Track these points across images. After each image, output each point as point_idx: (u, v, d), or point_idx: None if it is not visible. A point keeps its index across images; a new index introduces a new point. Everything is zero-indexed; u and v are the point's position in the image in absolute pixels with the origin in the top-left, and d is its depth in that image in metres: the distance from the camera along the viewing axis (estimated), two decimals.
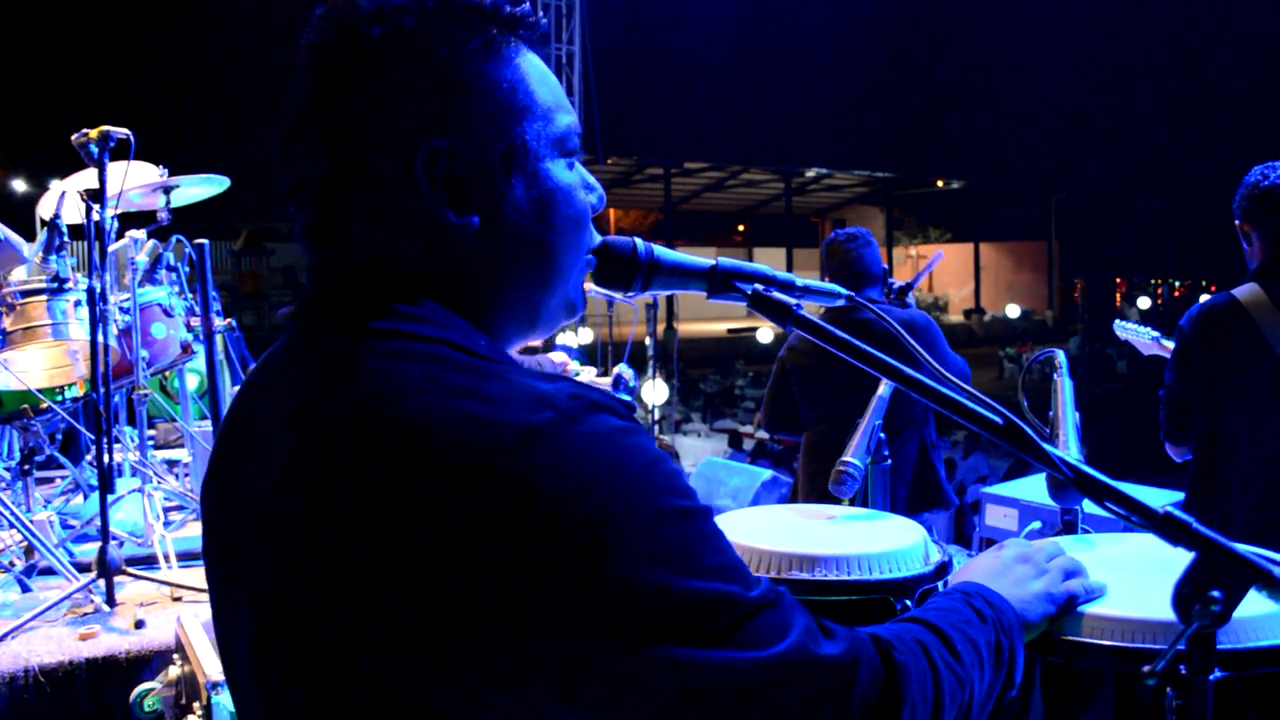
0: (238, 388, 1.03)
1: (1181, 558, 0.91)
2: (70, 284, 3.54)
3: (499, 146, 0.89)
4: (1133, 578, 1.22)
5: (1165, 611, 0.91)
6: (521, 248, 0.91)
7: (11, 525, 3.24)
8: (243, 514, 0.87)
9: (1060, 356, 1.61)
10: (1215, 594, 0.88)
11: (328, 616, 0.76)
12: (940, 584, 1.35)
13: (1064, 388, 1.50)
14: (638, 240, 1.06)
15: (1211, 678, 0.93)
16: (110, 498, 3.11)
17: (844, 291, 1.16)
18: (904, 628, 0.94)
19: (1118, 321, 3.87)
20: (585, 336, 13.41)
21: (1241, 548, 0.90)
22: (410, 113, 0.87)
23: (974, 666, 0.93)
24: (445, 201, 0.87)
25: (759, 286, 1.09)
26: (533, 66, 0.93)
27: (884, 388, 1.71)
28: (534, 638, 0.72)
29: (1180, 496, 3.18)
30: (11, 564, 3.24)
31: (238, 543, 0.88)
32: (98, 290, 3.14)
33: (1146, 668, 0.91)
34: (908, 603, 1.32)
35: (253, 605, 0.85)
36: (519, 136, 0.90)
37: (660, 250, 1.07)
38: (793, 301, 1.09)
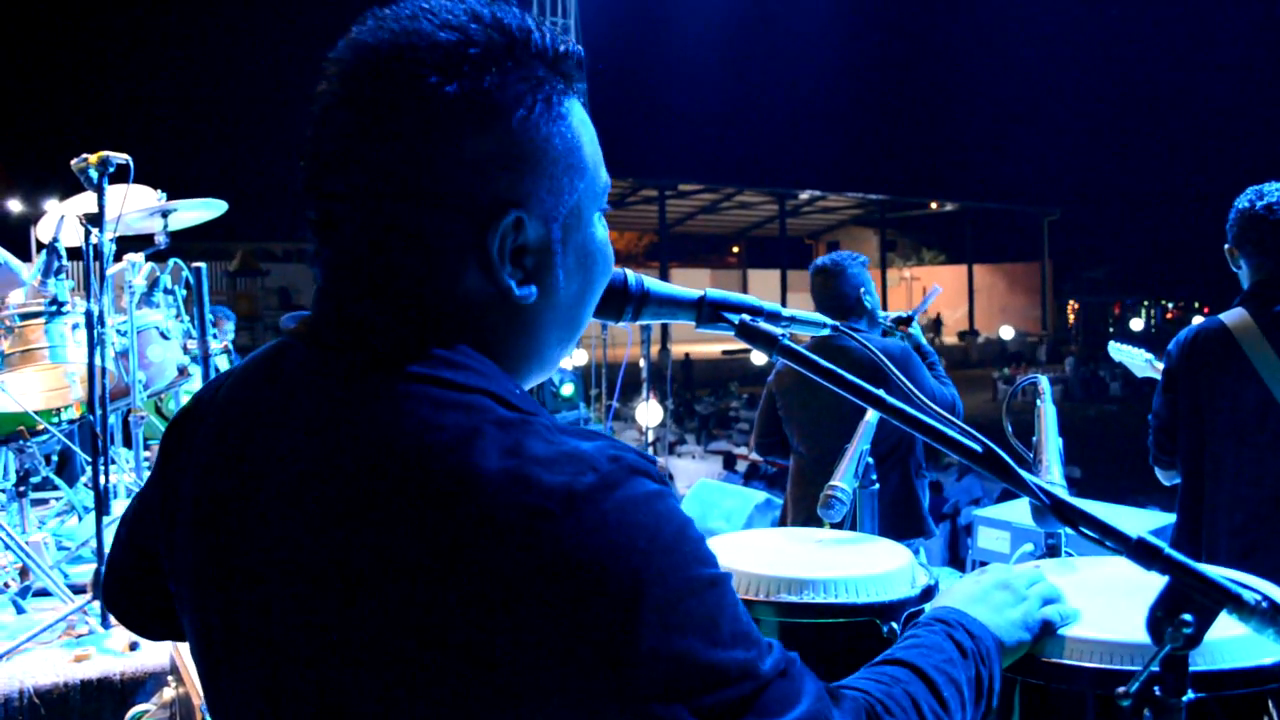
0: (201, 392, 1.00)
1: (1161, 581, 0.93)
2: (68, 307, 3.56)
3: (561, 216, 0.89)
4: (1114, 600, 1.24)
5: (1145, 634, 0.93)
6: (566, 310, 0.92)
7: (6, 547, 3.25)
8: (249, 547, 0.85)
9: (1043, 382, 1.64)
10: (1187, 617, 0.90)
11: (353, 658, 0.77)
12: (927, 607, 1.37)
13: (1047, 413, 1.52)
14: (628, 272, 1.09)
15: (1185, 699, 0.95)
16: (106, 519, 3.11)
17: (828, 321, 1.19)
18: (892, 677, 0.95)
19: (1112, 343, 3.85)
20: (580, 358, 13.46)
21: (1212, 571, 0.92)
22: (484, 183, 0.84)
23: (958, 710, 0.96)
24: (511, 274, 0.86)
25: (746, 317, 1.12)
26: (581, 120, 0.92)
27: (871, 413, 1.73)
28: (560, 700, 0.73)
29: (1174, 518, 3.19)
30: (6, 586, 3.25)
31: (241, 574, 0.85)
32: (96, 313, 3.16)
33: (1121, 689, 0.93)
34: (894, 625, 1.34)
35: (263, 640, 0.84)
36: (576, 202, 0.90)
37: (650, 281, 1.10)
38: (779, 331, 1.11)
